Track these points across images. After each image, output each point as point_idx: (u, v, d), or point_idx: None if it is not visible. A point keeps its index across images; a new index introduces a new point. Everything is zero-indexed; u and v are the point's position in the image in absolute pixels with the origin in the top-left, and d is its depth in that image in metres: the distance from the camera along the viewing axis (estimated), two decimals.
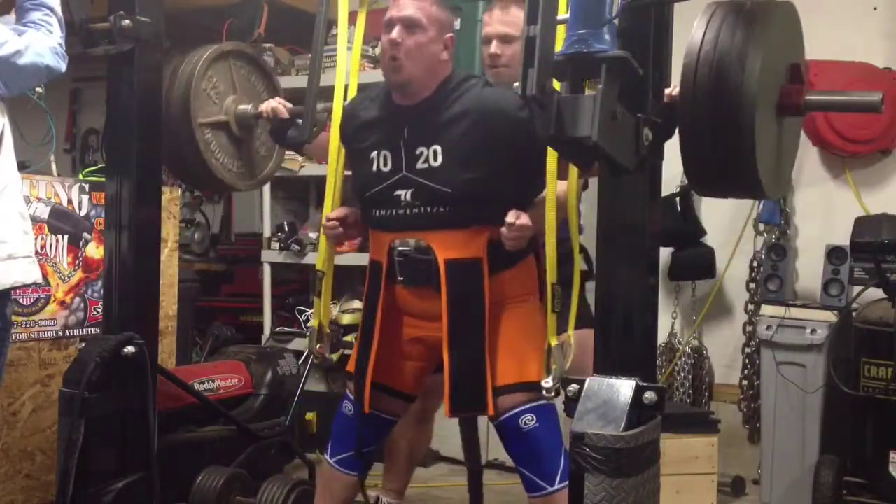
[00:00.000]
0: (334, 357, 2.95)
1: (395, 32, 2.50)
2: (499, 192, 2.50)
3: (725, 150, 1.93)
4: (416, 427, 3.19)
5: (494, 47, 2.84)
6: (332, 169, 2.80)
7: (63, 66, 2.71)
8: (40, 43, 2.63)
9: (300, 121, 2.94)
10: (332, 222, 2.73)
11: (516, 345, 2.56)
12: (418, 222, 2.55)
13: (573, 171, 2.34)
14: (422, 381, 2.75)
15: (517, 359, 2.54)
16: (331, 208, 2.79)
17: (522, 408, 2.50)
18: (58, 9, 2.72)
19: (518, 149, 2.45)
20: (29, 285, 2.80)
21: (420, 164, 2.52)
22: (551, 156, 2.33)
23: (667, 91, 2.16)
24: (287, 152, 4.77)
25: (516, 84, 1.72)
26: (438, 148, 2.50)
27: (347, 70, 2.89)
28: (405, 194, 2.54)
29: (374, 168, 2.59)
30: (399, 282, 2.60)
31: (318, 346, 2.82)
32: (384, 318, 2.62)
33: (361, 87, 2.88)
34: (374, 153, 2.59)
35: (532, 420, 2.49)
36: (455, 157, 2.49)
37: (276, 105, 2.99)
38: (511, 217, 2.41)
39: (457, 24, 4.58)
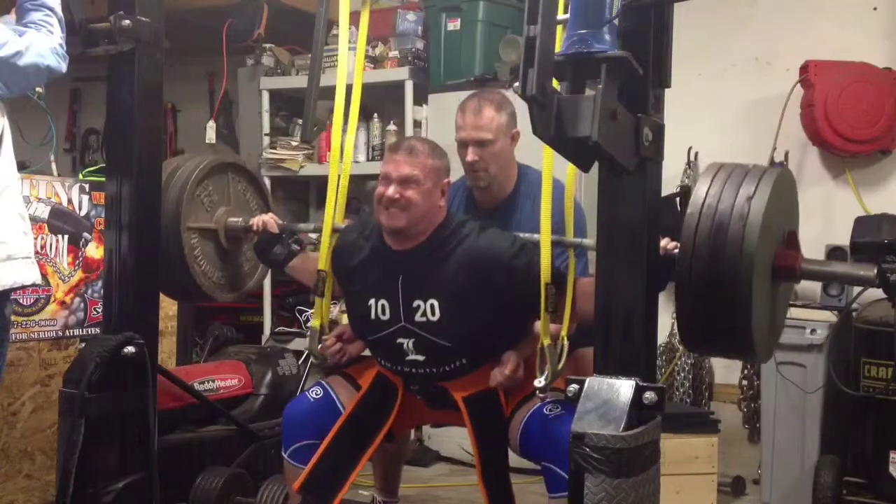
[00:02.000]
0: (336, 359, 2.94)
1: (392, 189, 2.54)
2: (499, 336, 2.58)
3: (720, 309, 1.95)
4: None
5: (471, 154, 2.86)
6: (333, 183, 2.82)
7: (64, 67, 2.71)
8: (41, 43, 2.63)
9: (290, 243, 2.98)
10: (336, 346, 2.78)
11: (525, 376, 2.57)
12: (428, 378, 2.64)
13: (571, 168, 2.34)
14: (411, 429, 2.81)
15: (527, 384, 2.55)
16: (331, 218, 2.80)
17: (545, 401, 2.52)
18: (58, 9, 2.72)
19: (514, 294, 2.50)
20: (28, 286, 2.79)
21: (418, 318, 2.57)
22: (547, 154, 2.34)
23: (662, 244, 2.18)
24: (287, 153, 4.80)
25: (516, 84, 1.72)
26: (435, 302, 2.55)
27: (350, 70, 2.89)
28: (407, 343, 2.61)
29: (373, 316, 2.64)
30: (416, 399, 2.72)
31: (318, 346, 2.83)
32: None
33: (362, 88, 2.89)
34: (372, 301, 2.64)
35: (557, 408, 2.50)
36: (452, 311, 2.55)
37: (268, 219, 3.03)
38: (508, 369, 2.51)
39: (457, 24, 4.60)
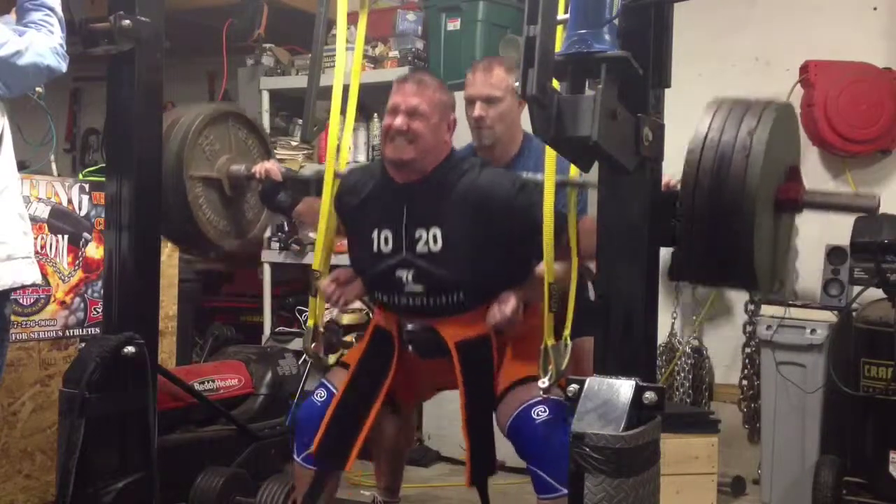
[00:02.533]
0: (331, 359, 2.94)
1: (399, 120, 2.54)
2: (498, 274, 2.57)
3: (724, 240, 1.96)
4: (396, 425, 3.19)
5: (478, 109, 2.87)
6: (329, 183, 2.81)
7: (64, 67, 2.71)
8: (41, 43, 2.63)
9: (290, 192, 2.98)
10: (330, 287, 2.76)
11: (523, 350, 2.59)
12: (424, 311, 2.62)
13: (572, 169, 2.34)
14: (419, 400, 2.79)
15: (524, 361, 2.56)
16: (328, 213, 2.79)
17: (535, 399, 2.51)
18: (58, 9, 2.72)
19: (515, 233, 2.51)
20: (28, 286, 2.80)
21: (420, 247, 2.57)
22: (549, 157, 2.34)
23: (664, 180, 2.18)
24: (287, 153, 4.80)
25: (517, 83, 1.72)
26: (438, 232, 2.55)
27: (347, 70, 2.89)
28: (406, 275, 2.59)
29: (375, 248, 2.64)
30: (409, 351, 2.69)
31: (312, 345, 2.83)
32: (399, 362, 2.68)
33: (362, 89, 2.89)
34: (375, 232, 2.63)
35: (545, 412, 2.49)
36: (454, 242, 2.55)
37: (270, 167, 3.02)
38: (508, 309, 2.50)
39: (457, 24, 4.60)
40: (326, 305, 2.92)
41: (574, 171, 2.44)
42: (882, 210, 3.81)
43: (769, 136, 1.96)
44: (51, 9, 2.70)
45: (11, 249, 2.62)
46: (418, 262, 2.57)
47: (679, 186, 2.05)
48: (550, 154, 2.32)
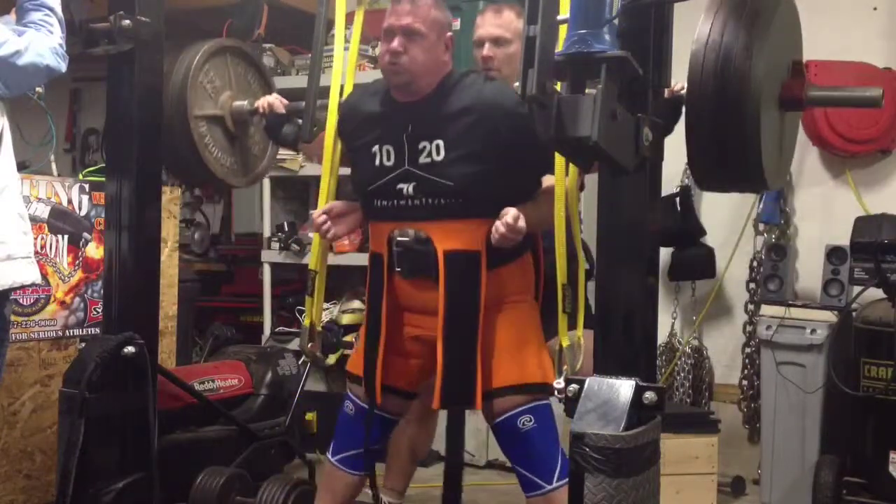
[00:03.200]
0: (331, 359, 2.94)
1: (396, 42, 2.51)
2: (499, 187, 2.51)
3: (730, 140, 1.97)
4: (417, 426, 3.19)
5: (487, 49, 2.85)
6: (327, 169, 2.80)
7: (63, 67, 2.71)
8: (40, 43, 2.63)
9: (298, 120, 2.93)
10: (321, 217, 2.71)
11: (514, 346, 2.55)
12: (419, 213, 2.55)
13: (573, 168, 2.34)
14: (422, 379, 2.74)
15: (516, 360, 2.54)
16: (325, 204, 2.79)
17: (521, 408, 2.49)
18: (58, 9, 2.72)
19: (519, 144, 2.45)
20: (28, 286, 2.80)
21: (423, 159, 2.52)
22: (558, 161, 2.34)
23: (674, 87, 2.18)
24: (286, 153, 4.79)
25: (517, 84, 1.72)
26: (441, 142, 2.51)
27: (343, 70, 2.89)
28: (407, 188, 2.54)
29: (377, 162, 2.59)
30: (398, 273, 2.60)
31: (309, 344, 2.82)
32: (388, 314, 2.62)
33: (359, 87, 2.89)
34: (376, 147, 2.59)
35: (530, 421, 2.48)
36: (457, 151, 2.50)
37: (273, 100, 2.98)
38: (510, 217, 2.40)
39: (457, 24, 4.59)
40: (325, 306, 2.91)
41: (573, 179, 2.44)
42: (882, 210, 3.85)
43: (771, 32, 1.96)
44: (50, 9, 2.70)
45: (11, 249, 2.62)
46: (420, 173, 2.53)
47: (684, 91, 2.05)
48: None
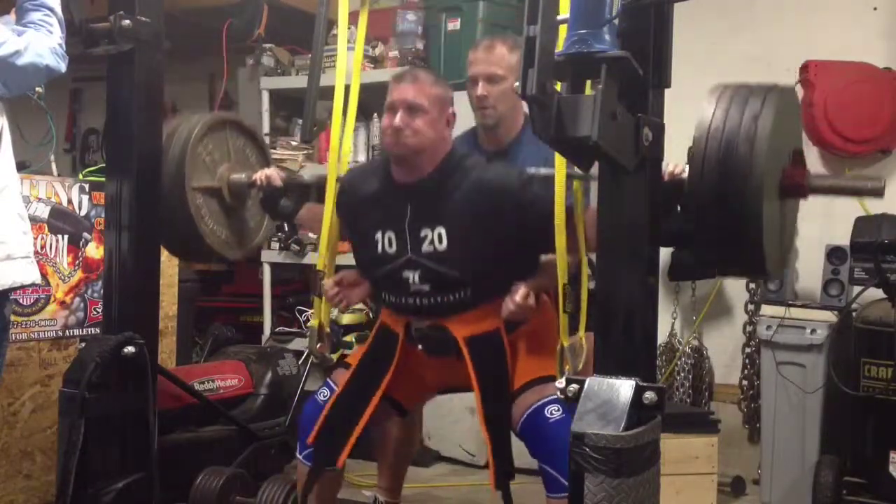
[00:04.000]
0: (334, 357, 2.94)
1: (398, 118, 2.52)
2: (505, 269, 2.55)
3: (732, 228, 1.98)
4: (402, 426, 3.19)
5: (481, 88, 2.86)
6: (332, 183, 2.81)
7: (63, 67, 2.71)
8: (40, 43, 2.63)
9: (294, 195, 2.96)
10: (333, 289, 2.75)
11: (536, 346, 2.59)
12: (432, 311, 2.60)
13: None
14: (423, 400, 2.78)
15: (538, 357, 2.56)
16: (331, 212, 2.79)
17: (549, 398, 2.49)
18: (58, 9, 2.72)
19: (521, 227, 2.49)
20: (27, 286, 2.79)
21: (426, 247, 2.55)
22: (559, 163, 2.34)
23: (668, 170, 2.18)
24: (287, 153, 4.80)
25: (517, 84, 1.72)
26: (443, 230, 2.54)
27: (348, 70, 2.89)
28: (413, 276, 2.58)
29: (380, 250, 2.62)
30: (418, 348, 2.67)
31: (318, 345, 2.82)
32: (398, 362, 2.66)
33: (362, 89, 2.89)
34: (379, 234, 2.62)
35: (558, 410, 2.48)
36: (460, 240, 2.53)
37: (271, 173, 3.00)
38: (519, 297, 2.46)
39: (457, 24, 4.60)
40: None
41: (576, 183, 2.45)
42: (882, 210, 3.85)
43: (773, 120, 1.97)
44: (50, 9, 2.70)
45: (11, 249, 2.62)
46: (424, 262, 2.55)
47: (685, 174, 2.06)
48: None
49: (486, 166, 2.61)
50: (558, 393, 2.35)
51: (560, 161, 2.33)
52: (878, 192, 2.14)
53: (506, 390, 2.57)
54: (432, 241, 2.54)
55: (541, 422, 2.49)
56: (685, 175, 2.11)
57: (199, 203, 3.07)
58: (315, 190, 2.99)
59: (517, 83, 1.72)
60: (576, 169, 2.39)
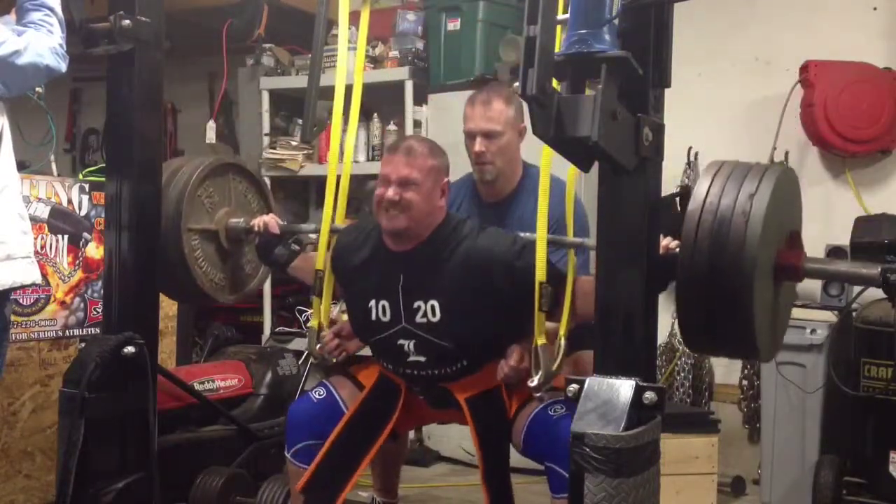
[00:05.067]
0: (334, 358, 2.94)
1: (391, 191, 2.53)
2: (498, 335, 2.57)
3: (721, 306, 1.95)
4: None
5: (479, 145, 2.87)
6: (332, 183, 2.81)
7: (63, 66, 2.71)
8: (40, 43, 2.63)
9: (292, 244, 2.98)
10: (333, 341, 2.78)
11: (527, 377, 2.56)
12: (431, 381, 2.63)
13: (572, 169, 2.34)
14: (414, 427, 2.80)
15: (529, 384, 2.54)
16: (329, 218, 2.80)
17: (550, 400, 2.51)
18: (58, 9, 2.72)
19: (515, 295, 2.49)
20: (28, 286, 2.79)
21: (419, 318, 2.56)
22: (545, 154, 2.34)
23: (663, 243, 2.17)
24: (287, 153, 4.80)
25: (516, 84, 1.72)
26: (436, 303, 2.54)
27: (349, 70, 2.89)
28: (408, 345, 2.59)
29: (374, 317, 2.63)
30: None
31: (317, 346, 2.82)
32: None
33: (363, 88, 2.89)
34: (372, 302, 2.63)
35: (562, 408, 2.48)
36: (453, 312, 2.54)
37: (269, 220, 3.01)
38: (513, 361, 2.50)
39: (457, 24, 4.60)
40: (332, 303, 2.91)
41: (571, 179, 2.46)
42: (882, 210, 3.85)
43: (770, 199, 1.94)
44: (50, 9, 2.70)
45: (11, 249, 2.61)
46: (418, 333, 2.57)
47: (678, 249, 2.05)
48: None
49: (479, 235, 2.59)
50: (533, 393, 2.39)
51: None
52: (873, 280, 2.06)
53: (506, 443, 2.60)
54: (426, 314, 2.55)
55: (545, 421, 2.49)
56: (678, 250, 2.06)
57: (194, 244, 3.07)
58: (315, 185, 2.98)
59: (516, 83, 1.72)
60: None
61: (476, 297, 2.52)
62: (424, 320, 2.55)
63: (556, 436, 2.44)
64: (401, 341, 2.60)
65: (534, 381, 2.38)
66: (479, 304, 2.52)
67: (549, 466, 2.47)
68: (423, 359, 2.59)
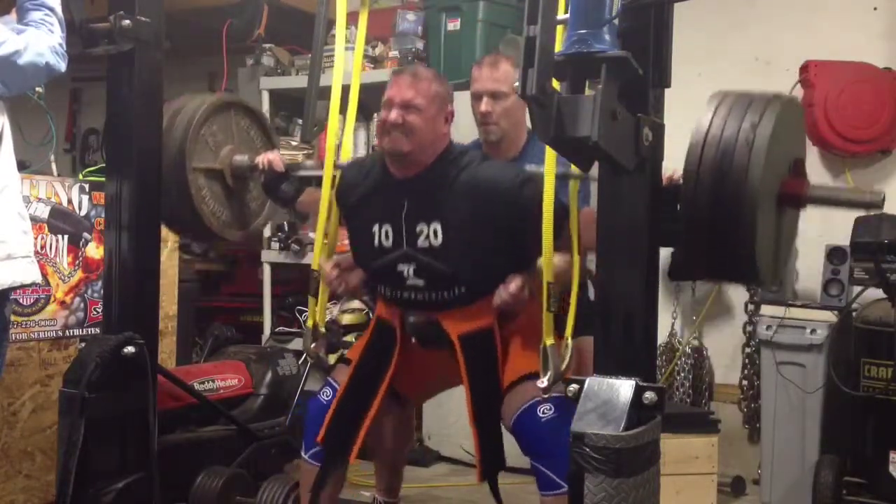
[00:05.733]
0: (330, 359, 2.94)
1: (394, 114, 2.53)
2: (500, 267, 2.55)
3: (724, 234, 1.96)
4: (396, 426, 3.18)
5: (485, 105, 2.88)
6: (327, 183, 2.81)
7: (63, 66, 2.71)
8: (40, 42, 2.63)
9: (296, 180, 2.97)
10: (333, 272, 2.76)
11: (527, 343, 2.58)
12: (426, 306, 2.62)
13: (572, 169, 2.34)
14: (425, 392, 2.79)
15: (529, 355, 2.54)
16: (325, 214, 2.80)
17: (541, 398, 2.49)
18: (58, 9, 2.72)
19: (517, 223, 2.49)
20: (28, 285, 2.80)
21: (421, 242, 2.56)
22: (549, 156, 2.34)
23: (666, 174, 2.18)
24: (287, 153, 4.79)
25: (516, 83, 1.72)
26: (438, 227, 2.54)
27: (347, 70, 2.89)
28: (407, 269, 2.59)
29: (376, 243, 2.63)
30: (412, 341, 2.69)
31: (312, 345, 2.83)
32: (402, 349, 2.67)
33: (362, 88, 2.89)
34: (375, 227, 2.63)
35: (550, 409, 2.48)
36: (455, 236, 2.54)
37: (273, 157, 3.01)
38: (514, 287, 2.48)
39: (457, 24, 4.60)
40: (327, 305, 2.91)
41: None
42: (882, 210, 3.85)
43: (773, 129, 1.95)
44: (51, 9, 2.70)
45: (11, 248, 2.62)
46: (419, 257, 2.56)
47: (681, 180, 2.05)
48: (551, 151, 2.32)
49: (483, 163, 2.61)
50: (541, 393, 2.38)
51: (550, 160, 2.33)
52: (877, 205, 2.11)
53: (496, 387, 2.58)
54: (428, 237, 2.55)
55: (532, 421, 2.50)
56: (681, 181, 2.08)
57: (200, 184, 3.07)
58: (315, 179, 2.97)
59: (516, 83, 1.72)
60: (573, 168, 2.41)
61: (477, 223, 2.52)
62: (426, 244, 2.55)
63: (544, 439, 2.48)
64: (401, 266, 2.59)
65: (543, 383, 2.37)
66: (480, 231, 2.52)
67: (535, 466, 2.50)
68: (421, 282, 2.59)
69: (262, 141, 3.33)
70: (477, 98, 2.90)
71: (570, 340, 2.40)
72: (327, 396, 2.74)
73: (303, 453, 2.79)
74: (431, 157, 2.58)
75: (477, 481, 2.63)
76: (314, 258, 2.84)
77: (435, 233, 2.54)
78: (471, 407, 2.58)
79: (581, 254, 2.43)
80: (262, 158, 3.02)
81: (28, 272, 2.69)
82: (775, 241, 2.12)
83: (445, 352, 2.65)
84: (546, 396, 2.47)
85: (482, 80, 2.90)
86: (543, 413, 2.49)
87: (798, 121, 2.19)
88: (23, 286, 2.75)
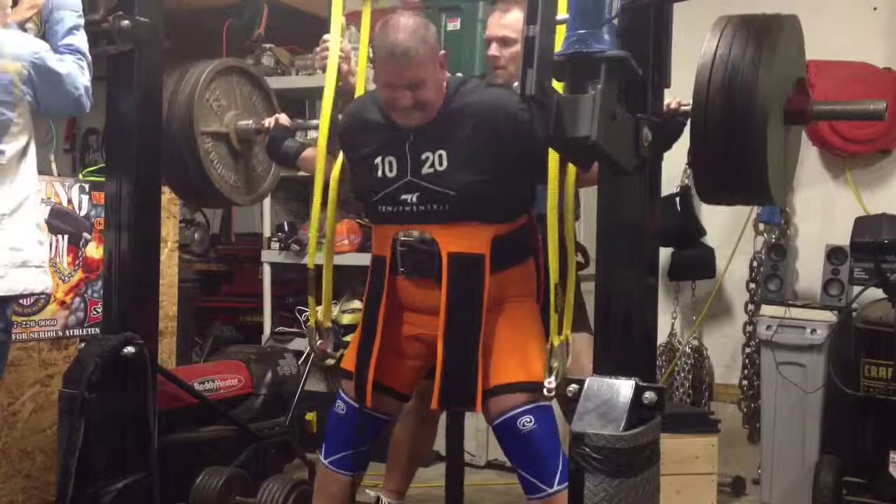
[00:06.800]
0: (336, 355, 2.94)
1: (406, 98, 2.47)
2: (502, 192, 2.52)
3: (737, 152, 2.00)
4: (419, 427, 3.19)
5: (494, 49, 2.94)
6: (319, 182, 2.81)
7: (87, 108, 2.78)
8: (78, 77, 2.71)
9: (299, 138, 2.98)
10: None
11: (515, 345, 2.55)
12: (423, 218, 2.56)
13: (571, 168, 2.34)
14: (417, 380, 2.75)
15: (516, 359, 2.53)
16: (318, 210, 2.79)
17: (521, 409, 2.49)
18: (89, 56, 2.77)
19: (521, 148, 2.45)
20: (39, 294, 2.85)
21: (426, 169, 2.53)
22: (552, 160, 2.33)
23: (667, 101, 2.18)
24: None
25: (516, 84, 1.72)
26: (444, 152, 2.52)
27: (347, 71, 2.89)
28: (410, 197, 2.55)
29: (379, 173, 2.59)
30: (401, 273, 2.61)
31: (318, 342, 2.82)
32: (387, 313, 2.62)
33: (360, 97, 2.88)
34: (379, 158, 2.59)
35: (530, 422, 2.48)
36: (459, 159, 2.50)
37: (280, 115, 3.06)
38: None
39: (456, 23, 4.60)
40: (332, 302, 2.90)
41: (571, 179, 2.45)
42: (882, 210, 3.85)
43: (777, 48, 2.01)
44: (83, 54, 2.76)
45: (27, 256, 2.68)
46: (423, 184, 2.53)
47: (681, 108, 2.12)
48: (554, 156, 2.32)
49: (486, 90, 2.59)
50: (546, 392, 2.36)
51: (552, 161, 2.32)
52: (880, 115, 2.18)
53: (476, 317, 2.51)
54: (433, 164, 2.52)
55: (513, 432, 2.50)
56: (687, 108, 2.14)
57: (208, 147, 3.10)
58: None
59: (516, 83, 1.72)
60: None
61: (482, 145, 2.49)
62: (431, 170, 2.52)
63: (524, 449, 2.49)
64: (404, 195, 2.56)
65: (552, 383, 2.36)
66: (484, 153, 2.49)
67: (519, 473, 2.53)
68: (423, 207, 2.56)
69: (265, 105, 3.36)
70: (488, 43, 2.97)
71: (569, 338, 2.40)
72: (342, 410, 2.73)
73: (322, 457, 2.78)
74: (439, 104, 2.55)
75: (433, 407, 2.59)
76: (309, 258, 2.83)
77: (440, 158, 2.51)
78: (443, 326, 2.51)
79: (578, 183, 2.41)
80: (270, 120, 3.07)
81: (40, 281, 2.74)
82: (783, 158, 2.18)
83: (428, 298, 2.57)
84: (528, 407, 2.47)
85: (492, 26, 2.97)
86: (524, 426, 2.48)
87: (798, 38, 2.24)
88: (33, 294, 2.79)
